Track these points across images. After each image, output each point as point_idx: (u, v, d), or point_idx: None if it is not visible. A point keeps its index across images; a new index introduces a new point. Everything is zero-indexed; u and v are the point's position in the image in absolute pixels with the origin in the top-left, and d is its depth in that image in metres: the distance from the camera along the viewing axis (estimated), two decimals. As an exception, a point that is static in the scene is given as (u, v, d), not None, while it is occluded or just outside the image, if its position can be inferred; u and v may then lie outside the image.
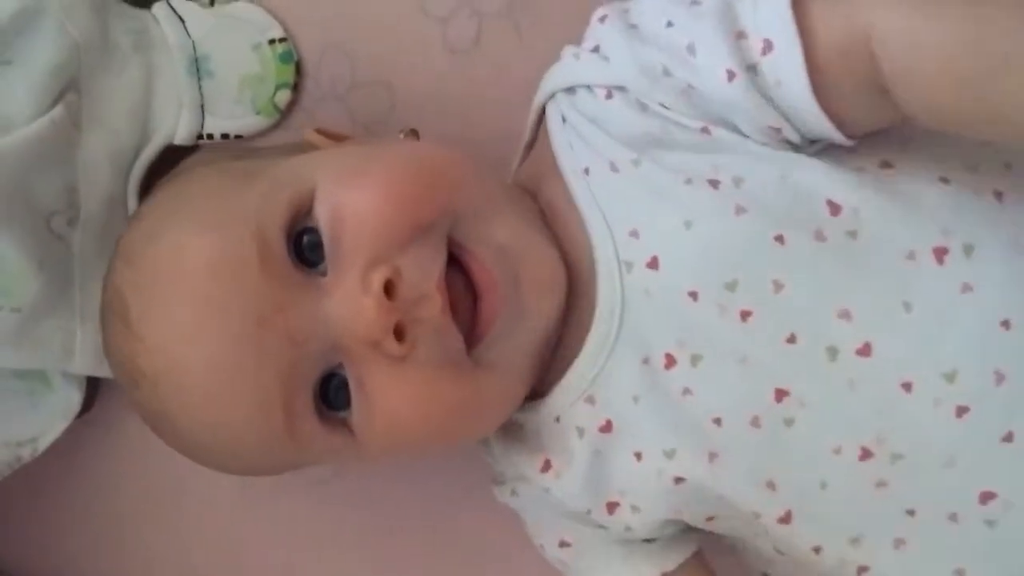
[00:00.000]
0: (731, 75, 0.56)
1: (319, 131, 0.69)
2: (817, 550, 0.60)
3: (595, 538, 0.67)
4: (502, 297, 0.58)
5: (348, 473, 0.86)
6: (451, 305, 0.57)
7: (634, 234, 0.59)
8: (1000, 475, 0.56)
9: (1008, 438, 0.55)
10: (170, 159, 0.78)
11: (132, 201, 0.78)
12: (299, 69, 0.80)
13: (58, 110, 0.72)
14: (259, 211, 0.57)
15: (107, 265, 0.66)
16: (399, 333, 0.55)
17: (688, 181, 0.58)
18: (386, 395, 0.57)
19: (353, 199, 0.57)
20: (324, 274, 0.57)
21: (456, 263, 0.58)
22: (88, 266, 0.76)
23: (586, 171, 0.61)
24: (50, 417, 0.80)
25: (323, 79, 0.80)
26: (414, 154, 0.62)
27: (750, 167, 0.58)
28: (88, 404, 0.82)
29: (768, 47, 0.55)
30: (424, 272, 0.56)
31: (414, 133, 0.69)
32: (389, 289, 0.55)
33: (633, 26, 0.61)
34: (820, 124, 0.56)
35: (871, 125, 0.56)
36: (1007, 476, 0.56)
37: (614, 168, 0.60)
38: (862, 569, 0.60)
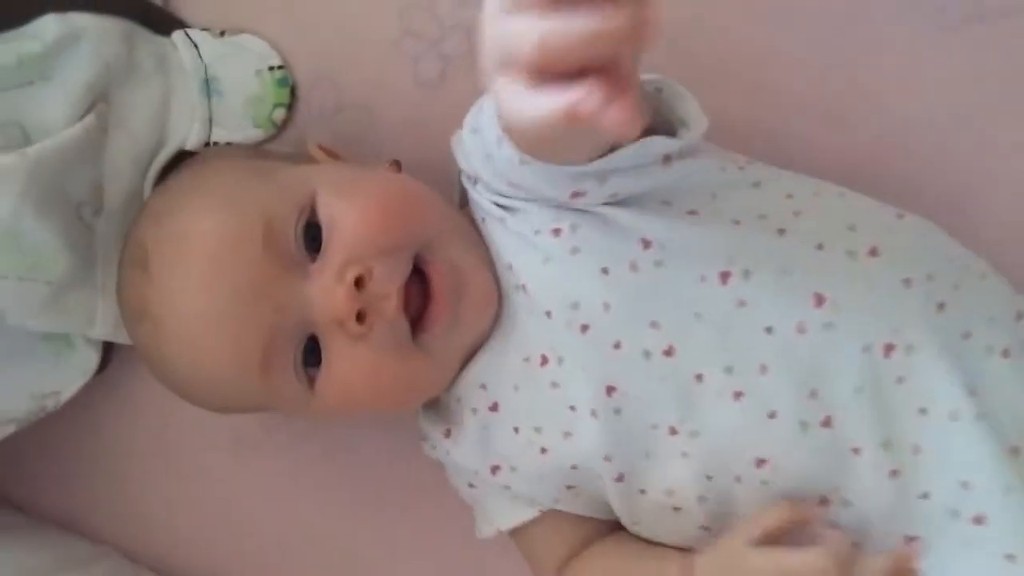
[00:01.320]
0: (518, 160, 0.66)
1: (320, 147, 0.79)
2: (642, 491, 0.72)
3: (494, 481, 0.77)
4: (447, 305, 0.69)
5: (333, 432, 0.93)
6: (406, 303, 0.68)
7: (509, 267, 0.71)
8: (769, 445, 0.68)
9: (772, 416, 0.67)
10: (181, 162, 0.84)
11: (148, 194, 0.84)
12: (294, 92, 0.87)
13: (90, 118, 0.79)
14: (269, 204, 0.68)
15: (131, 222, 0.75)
16: (360, 317, 0.66)
17: (537, 231, 0.70)
18: (344, 363, 0.68)
19: (346, 211, 0.68)
20: (314, 261, 0.67)
21: (420, 273, 0.69)
22: (108, 249, 0.83)
23: (483, 220, 0.73)
24: (71, 375, 0.88)
25: (313, 101, 0.88)
26: (399, 186, 0.73)
27: (579, 217, 0.69)
28: (104, 365, 0.90)
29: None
30: (390, 278, 0.67)
31: (396, 164, 0.79)
32: (359, 283, 0.65)
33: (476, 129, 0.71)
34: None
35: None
36: (774, 445, 0.68)
37: (496, 218, 0.72)
38: (676, 508, 0.72)
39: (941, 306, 0.69)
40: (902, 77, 0.81)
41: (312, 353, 0.69)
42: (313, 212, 0.68)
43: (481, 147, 0.69)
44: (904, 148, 0.81)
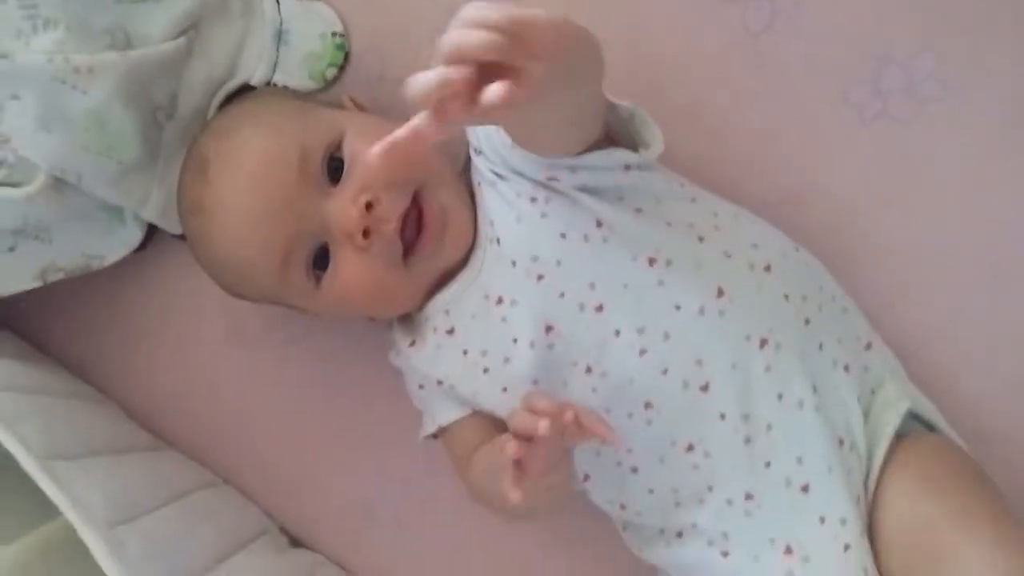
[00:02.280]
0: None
1: (351, 99, 0.94)
2: None
3: (438, 389, 0.92)
4: (434, 236, 0.85)
5: (311, 336, 1.06)
6: (402, 230, 0.83)
7: (491, 223, 0.86)
8: (657, 394, 0.83)
9: (664, 372, 0.82)
10: (243, 93, 0.99)
11: (212, 114, 0.97)
12: (347, 57, 1.01)
13: (182, 39, 0.93)
14: (305, 136, 0.84)
15: (193, 137, 0.91)
16: (365, 233, 0.81)
17: (519, 195, 0.84)
18: (347, 268, 0.84)
19: (366, 150, 0.79)
20: (334, 186, 0.83)
21: (417, 209, 0.84)
22: (170, 148, 0.97)
23: (479, 184, 0.88)
24: (116, 245, 1.02)
25: (361, 68, 1.02)
26: None
27: (553, 194, 0.84)
28: (144, 245, 1.03)
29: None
30: (393, 207, 0.82)
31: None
32: (368, 207, 0.81)
33: None
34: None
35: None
36: (661, 394, 0.83)
37: (489, 183, 0.87)
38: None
39: (807, 321, 0.86)
40: (823, 152, 0.99)
41: (322, 258, 0.84)
42: (339, 147, 0.85)
43: (485, 128, 0.85)
44: (811, 204, 0.99)
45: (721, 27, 0.98)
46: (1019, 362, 0.97)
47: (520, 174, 0.85)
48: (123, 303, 1.11)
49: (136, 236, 1.03)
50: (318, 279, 0.85)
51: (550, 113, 0.70)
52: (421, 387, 0.94)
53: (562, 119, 0.75)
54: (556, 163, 0.83)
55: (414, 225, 0.85)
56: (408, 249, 0.85)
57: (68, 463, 0.84)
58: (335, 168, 0.84)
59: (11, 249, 0.95)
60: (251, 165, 0.83)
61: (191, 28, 0.96)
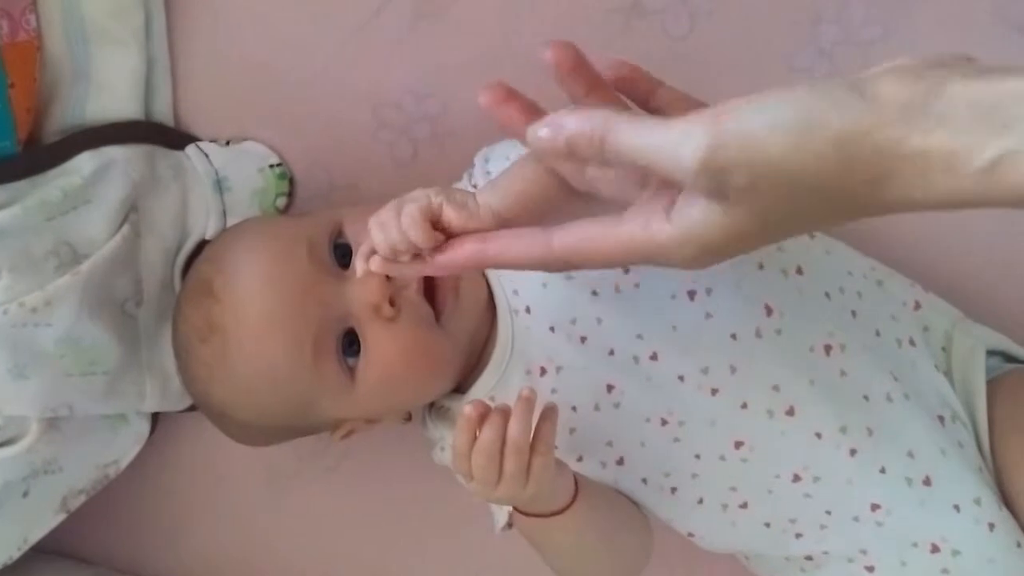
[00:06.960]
0: None
1: None
2: (644, 480, 0.84)
3: None
4: (450, 287, 0.82)
5: (355, 461, 1.04)
6: (424, 293, 0.81)
7: (515, 292, 0.83)
8: (743, 430, 0.80)
9: (744, 406, 0.79)
10: (201, 251, 0.93)
11: (178, 283, 0.94)
12: (292, 182, 0.99)
13: (126, 228, 0.90)
14: (307, 231, 0.81)
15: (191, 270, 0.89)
16: (391, 302, 0.79)
17: None
18: (381, 342, 0.80)
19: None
20: (346, 268, 0.81)
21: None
22: (149, 332, 0.93)
23: None
24: (127, 445, 0.99)
25: (309, 185, 0.99)
26: None
27: None
28: (151, 430, 1.00)
29: None
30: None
31: None
32: (387, 276, 0.77)
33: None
34: None
35: None
36: (747, 430, 0.80)
37: None
38: (673, 489, 0.83)
39: (854, 313, 0.83)
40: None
41: (351, 346, 0.81)
42: (340, 234, 0.83)
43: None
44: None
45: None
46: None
47: None
48: (152, 493, 1.09)
49: (144, 428, 1.00)
50: (352, 370, 0.81)
51: None
52: None
53: None
54: None
55: (432, 287, 0.82)
56: (436, 309, 0.82)
57: None
58: (342, 255, 0.82)
59: (25, 495, 0.92)
60: (261, 267, 0.81)
61: (131, 212, 0.92)
